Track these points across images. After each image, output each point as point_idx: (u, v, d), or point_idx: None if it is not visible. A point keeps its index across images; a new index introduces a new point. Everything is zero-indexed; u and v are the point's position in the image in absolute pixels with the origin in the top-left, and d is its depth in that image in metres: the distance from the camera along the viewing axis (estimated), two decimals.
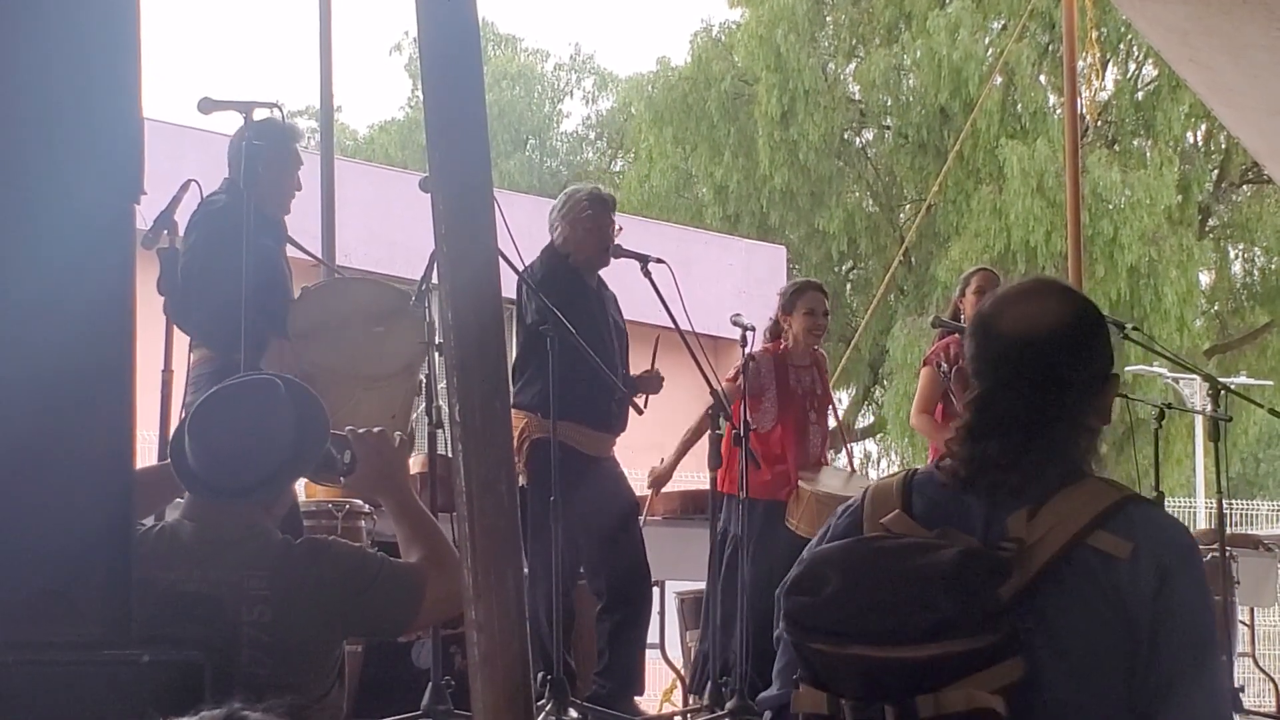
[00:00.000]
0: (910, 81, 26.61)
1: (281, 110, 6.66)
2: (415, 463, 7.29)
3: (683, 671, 9.10)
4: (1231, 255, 27.99)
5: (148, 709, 2.62)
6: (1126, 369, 23.77)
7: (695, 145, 28.00)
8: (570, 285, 7.09)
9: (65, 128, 2.83)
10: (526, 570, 5.59)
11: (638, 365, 7.47)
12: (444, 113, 3.14)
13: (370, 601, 3.64)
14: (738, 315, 7.91)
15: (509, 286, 5.38)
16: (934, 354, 8.36)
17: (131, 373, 2.93)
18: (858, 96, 27.81)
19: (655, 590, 7.90)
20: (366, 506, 6.82)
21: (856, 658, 2.59)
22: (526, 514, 6.29)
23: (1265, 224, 26.05)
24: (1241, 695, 9.58)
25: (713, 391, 7.22)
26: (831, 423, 8.69)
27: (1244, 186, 27.45)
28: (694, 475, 13.16)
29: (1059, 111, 23.70)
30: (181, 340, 6.34)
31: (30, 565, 2.68)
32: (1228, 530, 9.27)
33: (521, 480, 6.70)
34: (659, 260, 7.01)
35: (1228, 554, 8.92)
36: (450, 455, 3.28)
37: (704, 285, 15.76)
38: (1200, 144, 27.26)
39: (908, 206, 27.93)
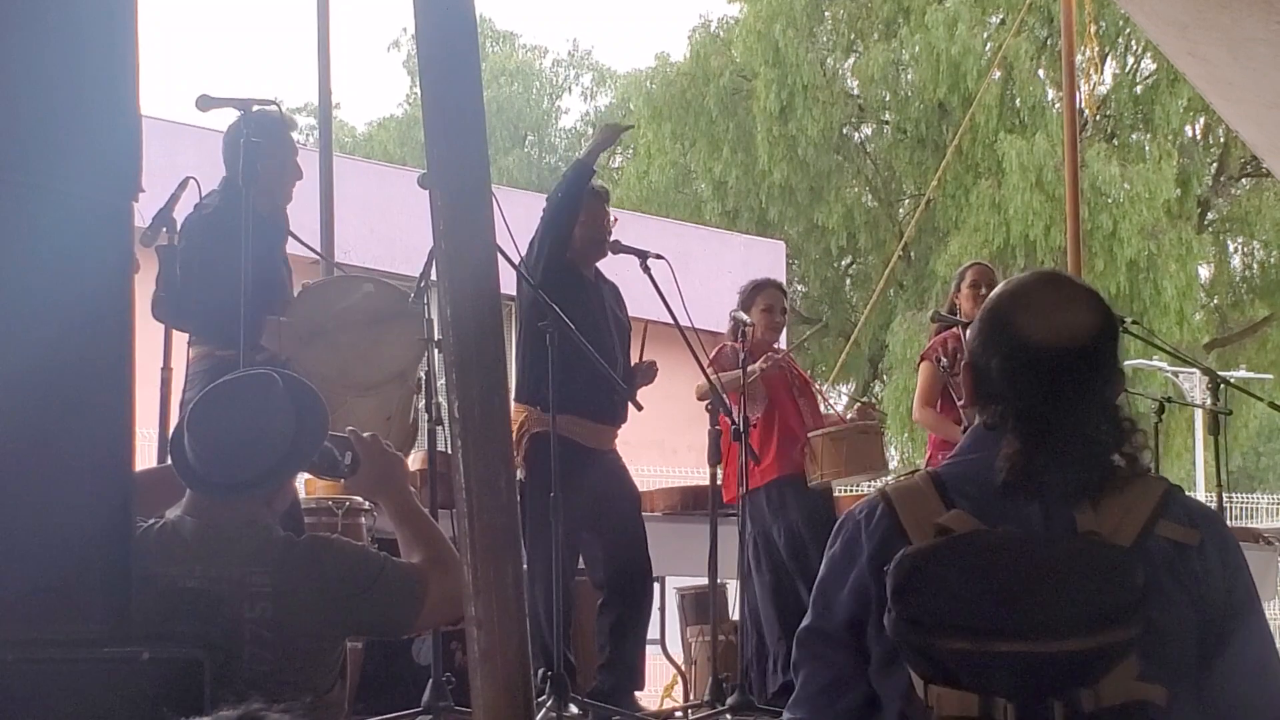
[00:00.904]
0: (909, 76, 26.62)
1: (280, 107, 6.65)
2: (415, 459, 7.29)
3: (683, 667, 9.10)
4: (1231, 249, 27.99)
5: (148, 706, 2.62)
6: (1126, 363, 23.69)
7: (694, 141, 28.01)
8: (567, 278, 7.09)
9: (63, 125, 2.83)
10: (525, 566, 5.59)
11: (635, 358, 7.47)
12: (442, 109, 3.15)
13: (372, 600, 3.64)
14: (737, 312, 7.92)
15: (507, 283, 5.38)
16: (932, 348, 8.37)
17: (130, 370, 2.93)
18: (856, 91, 27.82)
19: (655, 586, 7.89)
20: (367, 504, 6.82)
21: (1009, 654, 2.54)
22: (525, 509, 6.28)
23: (1264, 217, 26.05)
24: None
25: (711, 386, 7.22)
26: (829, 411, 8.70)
27: (1243, 180, 27.46)
28: (694, 471, 13.18)
29: (1058, 106, 23.71)
30: (180, 337, 6.34)
31: (30, 563, 2.68)
32: (1228, 524, 9.27)
33: (520, 474, 6.70)
34: (658, 256, 7.00)
35: None
36: (450, 452, 3.28)
37: (703, 281, 15.74)
38: (1199, 138, 27.27)
39: (906, 201, 27.93)
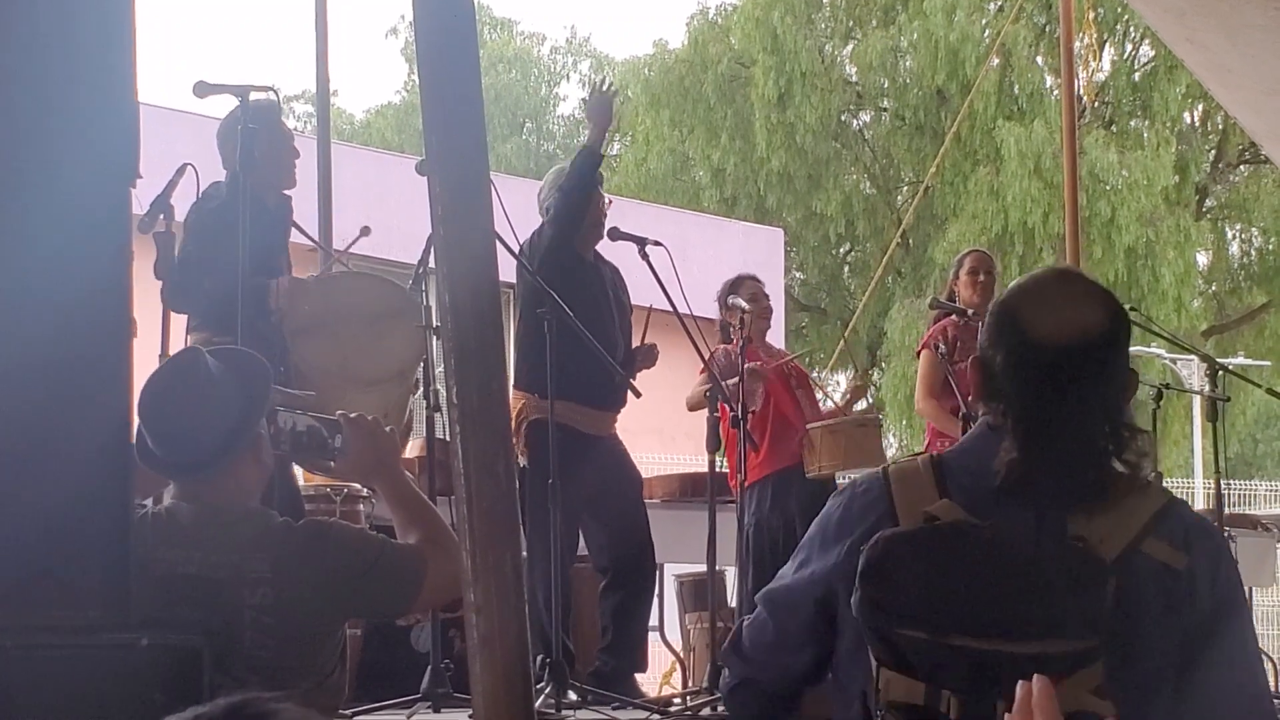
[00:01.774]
0: (907, 63, 26.59)
1: (277, 94, 6.66)
2: (414, 446, 7.29)
3: (682, 654, 9.11)
4: (1229, 235, 27.98)
5: (148, 692, 2.63)
6: None
7: (692, 128, 27.98)
8: (566, 262, 7.09)
9: (60, 112, 2.83)
10: (524, 553, 5.60)
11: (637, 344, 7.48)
12: (440, 96, 3.14)
13: (372, 583, 3.65)
14: (735, 299, 7.92)
15: (506, 270, 5.38)
16: (931, 336, 8.36)
17: (128, 356, 2.93)
18: (854, 78, 27.79)
19: (657, 572, 7.90)
20: (365, 490, 6.83)
21: (963, 650, 2.53)
22: (524, 496, 6.29)
23: (1263, 204, 26.03)
24: None
25: (710, 375, 7.23)
26: (828, 407, 8.71)
27: (1241, 167, 27.44)
28: (692, 458, 13.17)
29: (1056, 93, 23.69)
30: (178, 324, 6.34)
31: (29, 549, 2.68)
32: (1225, 511, 9.29)
33: (520, 461, 6.70)
34: (656, 243, 7.01)
35: (1226, 534, 8.94)
36: (449, 439, 3.28)
37: (701, 268, 15.73)
38: (1197, 124, 27.25)
39: (905, 188, 27.91)
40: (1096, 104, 25.05)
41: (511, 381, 6.69)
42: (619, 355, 7.12)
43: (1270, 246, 26.99)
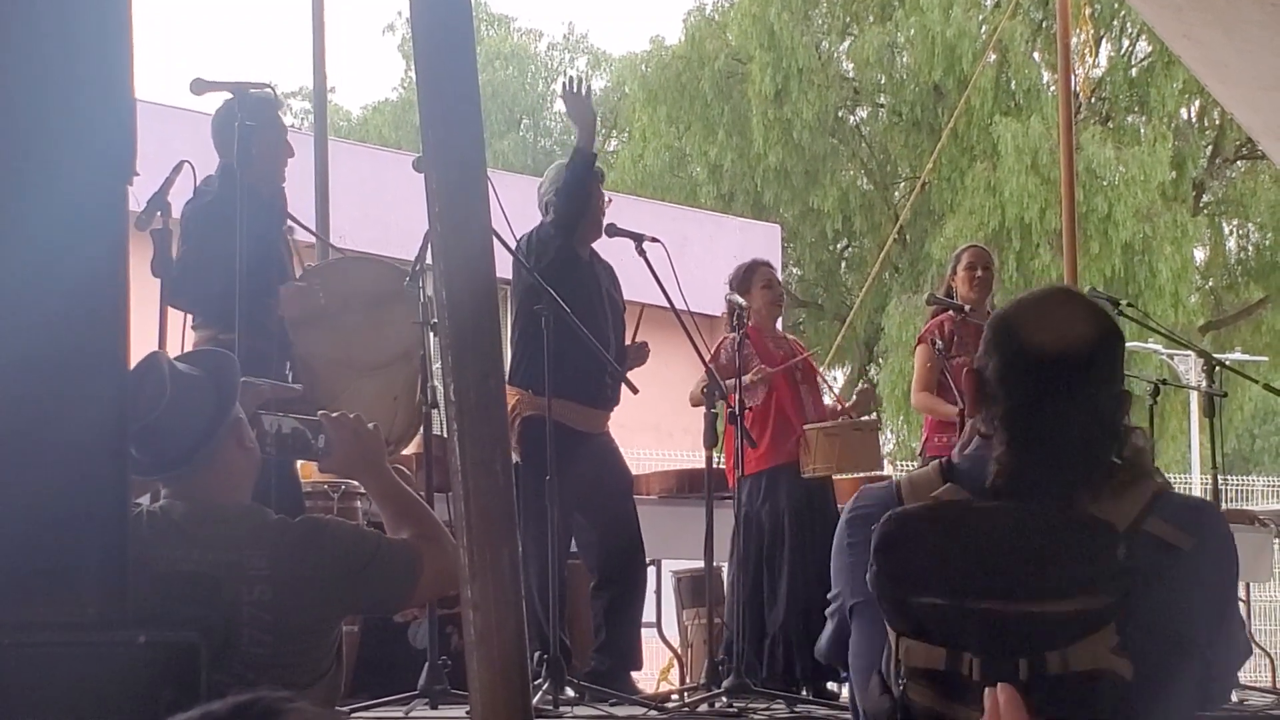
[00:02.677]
0: (904, 59, 26.60)
1: (274, 91, 6.66)
2: (411, 443, 7.29)
3: (679, 650, 9.12)
4: (1226, 231, 27.98)
5: (145, 689, 2.63)
6: None
7: (689, 124, 27.98)
8: (563, 259, 7.09)
9: (56, 109, 2.82)
10: (520, 549, 5.59)
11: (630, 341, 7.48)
12: (437, 93, 3.14)
13: (369, 579, 3.65)
14: (732, 294, 7.91)
15: (503, 266, 5.38)
16: (928, 331, 8.36)
17: (125, 354, 2.93)
18: (851, 74, 27.79)
19: (651, 569, 7.91)
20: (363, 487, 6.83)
21: (981, 612, 2.60)
22: (519, 492, 6.29)
23: (1259, 199, 26.05)
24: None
25: (707, 370, 7.23)
26: (829, 399, 8.71)
27: (1238, 162, 27.45)
28: (689, 454, 13.17)
29: (1053, 88, 23.68)
30: (175, 322, 6.34)
31: (25, 546, 2.68)
32: (1223, 506, 9.29)
33: (515, 458, 6.70)
34: (654, 239, 7.01)
35: None
36: (445, 435, 3.29)
37: (698, 264, 15.74)
38: (1194, 120, 27.26)
39: (902, 184, 27.91)
40: (1093, 100, 25.06)
41: (507, 378, 6.69)
42: (612, 353, 7.12)
43: (1267, 242, 27.01)
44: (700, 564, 7.57)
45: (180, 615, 3.38)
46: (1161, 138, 24.42)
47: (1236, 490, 24.05)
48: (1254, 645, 11.38)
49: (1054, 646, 2.56)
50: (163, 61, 53.11)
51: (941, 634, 2.64)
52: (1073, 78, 13.44)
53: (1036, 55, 25.58)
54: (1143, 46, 26.06)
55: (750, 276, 8.26)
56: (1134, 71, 26.22)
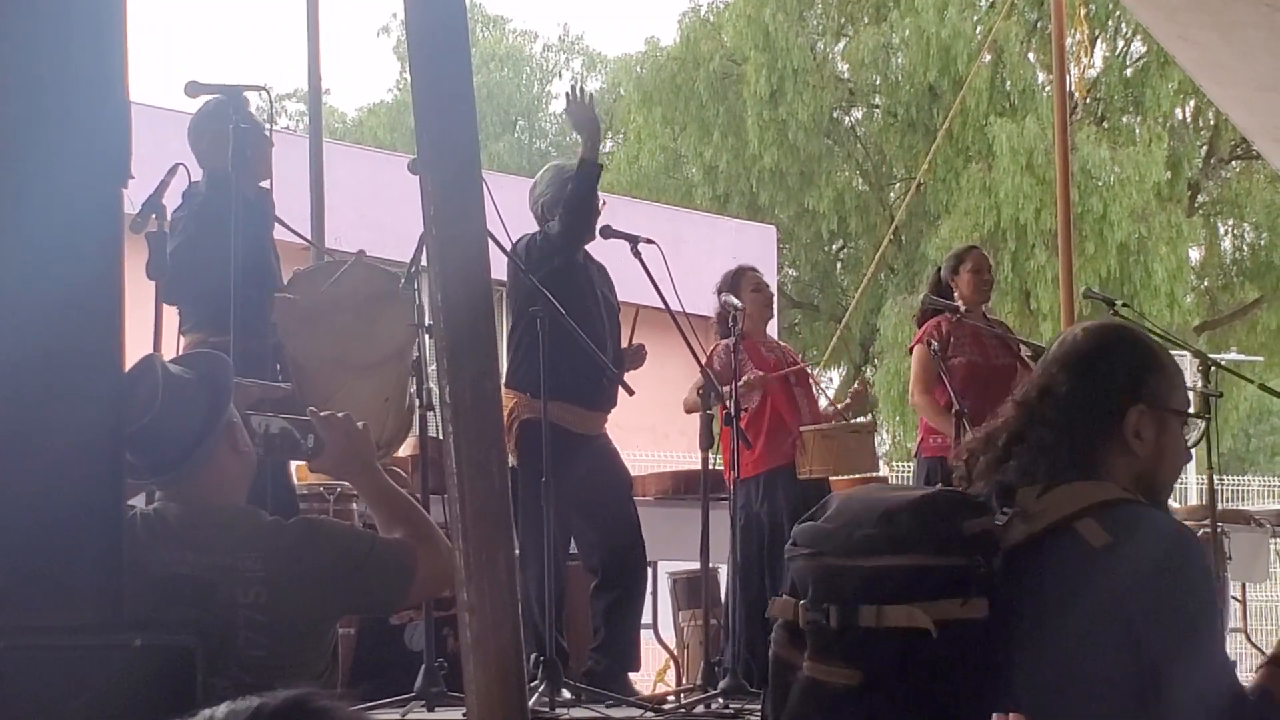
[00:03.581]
0: (899, 60, 26.57)
1: (269, 93, 6.65)
2: (407, 445, 7.29)
3: (676, 652, 9.11)
4: (1221, 231, 27.98)
5: (141, 693, 2.62)
6: None
7: (684, 125, 27.96)
8: (559, 262, 7.08)
9: (52, 112, 2.82)
10: (517, 552, 5.59)
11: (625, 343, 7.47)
12: (432, 95, 3.15)
13: (364, 579, 3.65)
14: (727, 297, 7.91)
15: (498, 268, 5.38)
16: (925, 332, 8.36)
17: (120, 356, 2.93)
18: (846, 75, 27.76)
19: (648, 570, 7.90)
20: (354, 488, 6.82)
21: (822, 565, 2.77)
22: (517, 495, 6.29)
23: (1254, 200, 26.03)
24: None
25: (703, 371, 7.23)
26: (823, 402, 8.71)
27: (1233, 163, 27.44)
28: (685, 456, 13.16)
29: (1048, 89, 23.69)
30: (170, 324, 6.34)
31: (21, 550, 2.68)
32: (1219, 506, 9.29)
33: (511, 461, 6.70)
34: (649, 240, 7.00)
35: (1219, 530, 8.94)
36: (441, 437, 3.29)
37: (694, 265, 15.74)
38: (1189, 120, 27.25)
39: (897, 185, 27.90)
40: (1088, 100, 25.06)
41: (503, 381, 6.69)
42: (608, 355, 7.12)
43: (1262, 242, 27.00)
44: (696, 565, 7.57)
45: (176, 618, 3.38)
46: (1156, 138, 24.42)
47: (1232, 490, 24.04)
48: (1249, 644, 11.39)
49: (872, 601, 2.69)
50: (158, 64, 53.10)
51: (798, 587, 2.84)
52: (1068, 78, 13.43)
53: (1031, 56, 25.56)
54: (1138, 47, 26.05)
55: (738, 281, 8.25)
56: (1129, 72, 26.21)
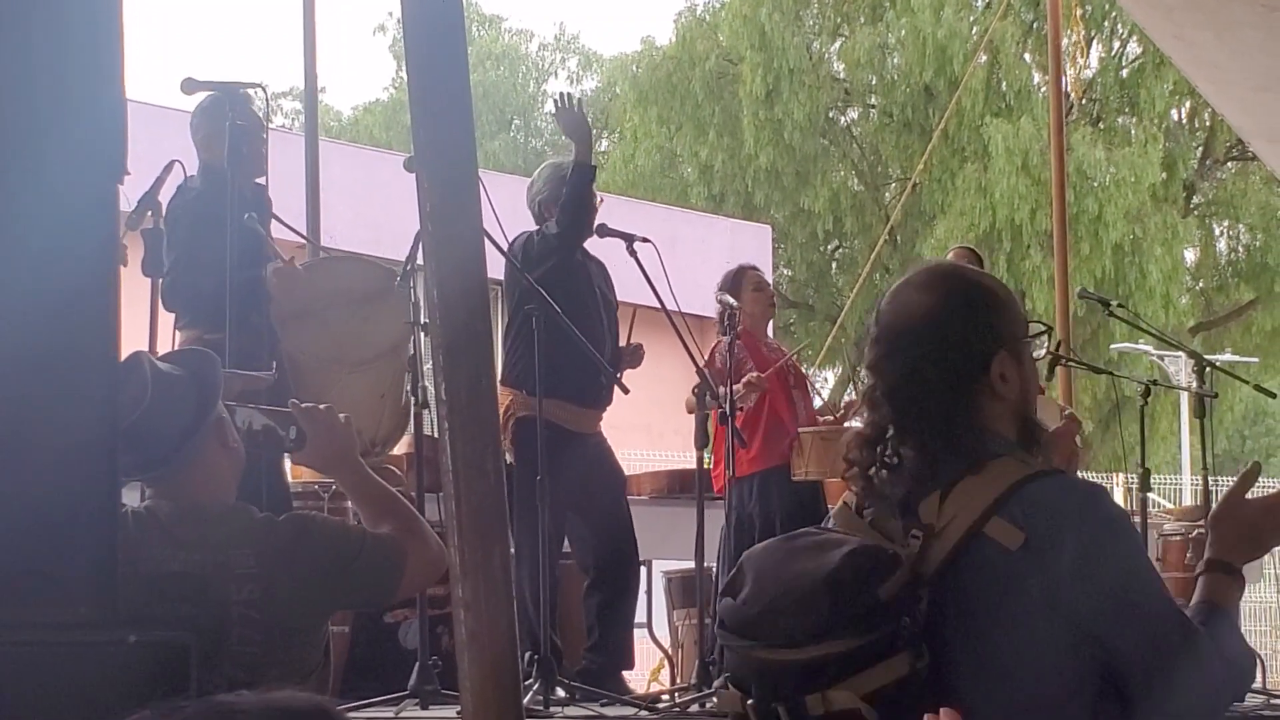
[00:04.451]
0: (895, 60, 26.60)
1: (265, 91, 6.66)
2: (402, 443, 7.29)
3: (670, 651, 9.12)
4: (1216, 232, 28.01)
5: (136, 689, 2.62)
6: (1112, 346, 23.81)
7: (680, 125, 27.97)
8: (557, 261, 7.09)
9: (48, 109, 2.82)
10: (512, 550, 5.60)
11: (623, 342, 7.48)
12: (428, 93, 3.14)
13: (356, 573, 3.65)
14: (723, 295, 7.92)
15: (494, 266, 5.38)
16: None
17: (116, 354, 2.93)
18: (842, 75, 27.78)
19: (642, 570, 7.91)
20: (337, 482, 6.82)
21: (757, 660, 2.66)
22: (511, 493, 6.30)
23: (1249, 201, 26.07)
24: None
25: (699, 371, 7.23)
26: (817, 402, 8.73)
27: (1228, 163, 27.46)
28: (680, 455, 13.18)
29: (1043, 89, 23.71)
30: (166, 322, 6.34)
31: (15, 546, 2.68)
32: (1213, 507, 9.28)
33: (506, 458, 6.70)
34: (644, 240, 7.01)
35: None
36: (436, 435, 3.29)
37: (689, 265, 15.75)
38: (1185, 121, 27.27)
39: (893, 185, 27.92)
40: (1084, 101, 25.07)
41: (499, 378, 6.69)
42: (606, 353, 7.12)
43: (1257, 243, 27.03)
44: (691, 564, 7.57)
45: (169, 615, 3.38)
46: (1152, 139, 24.45)
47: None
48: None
49: (813, 689, 2.59)
50: (154, 61, 53.08)
51: (739, 680, 2.72)
52: (1063, 79, 13.44)
53: (1027, 56, 25.59)
54: (1133, 48, 26.07)
55: (740, 281, 8.29)
56: (1125, 73, 26.23)
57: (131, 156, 2.93)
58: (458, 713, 3.23)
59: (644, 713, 6.53)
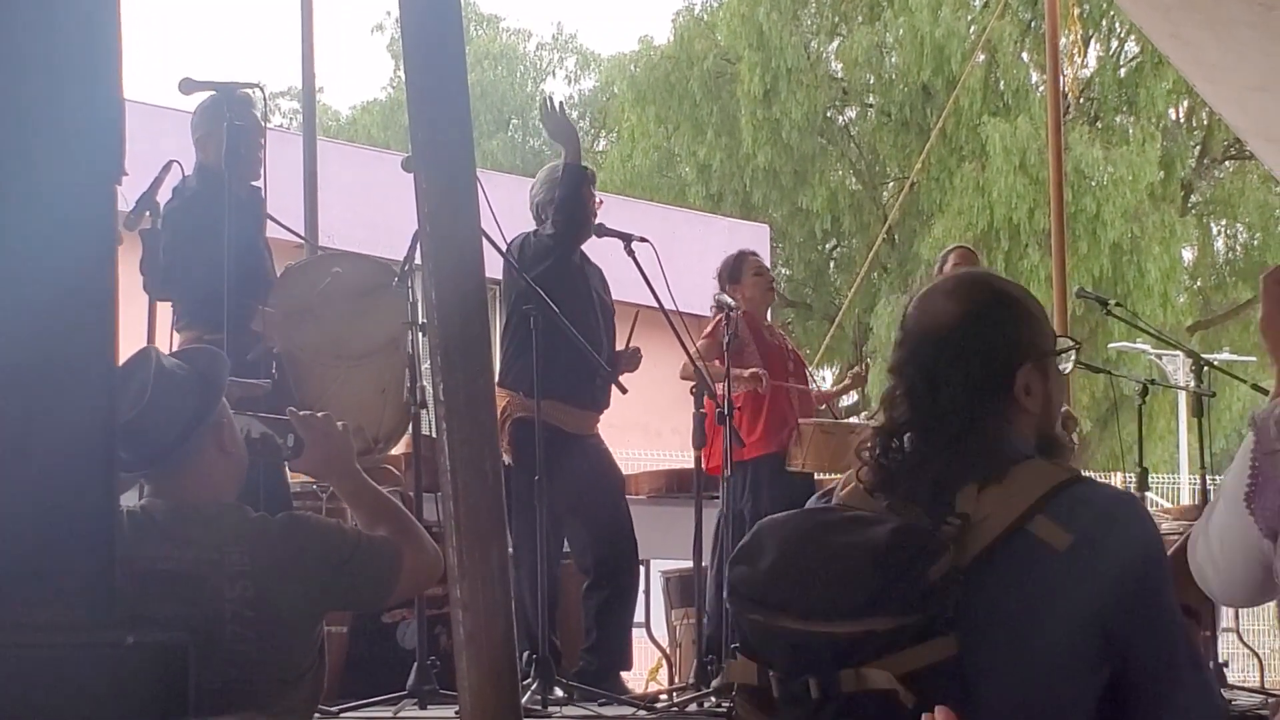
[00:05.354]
0: (893, 59, 26.59)
1: (263, 90, 6.66)
2: (400, 444, 7.28)
3: (668, 650, 9.11)
4: (1214, 231, 28.02)
5: (133, 690, 2.62)
6: (1110, 346, 23.80)
7: (678, 124, 27.97)
8: (555, 262, 7.10)
9: (45, 109, 2.82)
10: (510, 550, 5.60)
11: (618, 343, 7.48)
12: (426, 93, 3.14)
13: (351, 573, 3.66)
14: (721, 296, 7.93)
15: (492, 266, 5.38)
16: None
17: (114, 355, 2.92)
18: (840, 75, 27.78)
19: (640, 569, 7.90)
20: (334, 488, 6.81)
21: (786, 630, 2.59)
22: (509, 494, 6.29)
23: (1247, 200, 26.08)
24: (1226, 670, 9.61)
25: (696, 370, 7.23)
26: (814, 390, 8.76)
27: (1226, 163, 27.47)
28: (678, 454, 13.17)
29: (1041, 89, 23.72)
30: (164, 322, 6.34)
31: (12, 548, 2.68)
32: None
33: (504, 459, 6.70)
34: (642, 239, 7.01)
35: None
36: (434, 435, 3.29)
37: (687, 264, 15.76)
38: (1182, 120, 27.28)
39: (891, 184, 27.91)
40: (1081, 100, 25.08)
41: (496, 379, 6.69)
42: (604, 355, 7.13)
43: (1255, 242, 27.04)
44: (689, 563, 7.57)
45: (163, 614, 3.38)
46: (1150, 138, 24.45)
47: None
48: (1242, 644, 11.39)
49: (848, 665, 2.54)
50: (152, 61, 53.04)
51: (759, 650, 2.66)
52: (1061, 78, 13.45)
53: (1025, 55, 25.59)
54: (1131, 47, 26.07)
55: (740, 266, 8.37)
56: (1122, 72, 26.23)
57: (129, 157, 2.93)
58: (456, 713, 3.23)
59: (642, 712, 6.53)
